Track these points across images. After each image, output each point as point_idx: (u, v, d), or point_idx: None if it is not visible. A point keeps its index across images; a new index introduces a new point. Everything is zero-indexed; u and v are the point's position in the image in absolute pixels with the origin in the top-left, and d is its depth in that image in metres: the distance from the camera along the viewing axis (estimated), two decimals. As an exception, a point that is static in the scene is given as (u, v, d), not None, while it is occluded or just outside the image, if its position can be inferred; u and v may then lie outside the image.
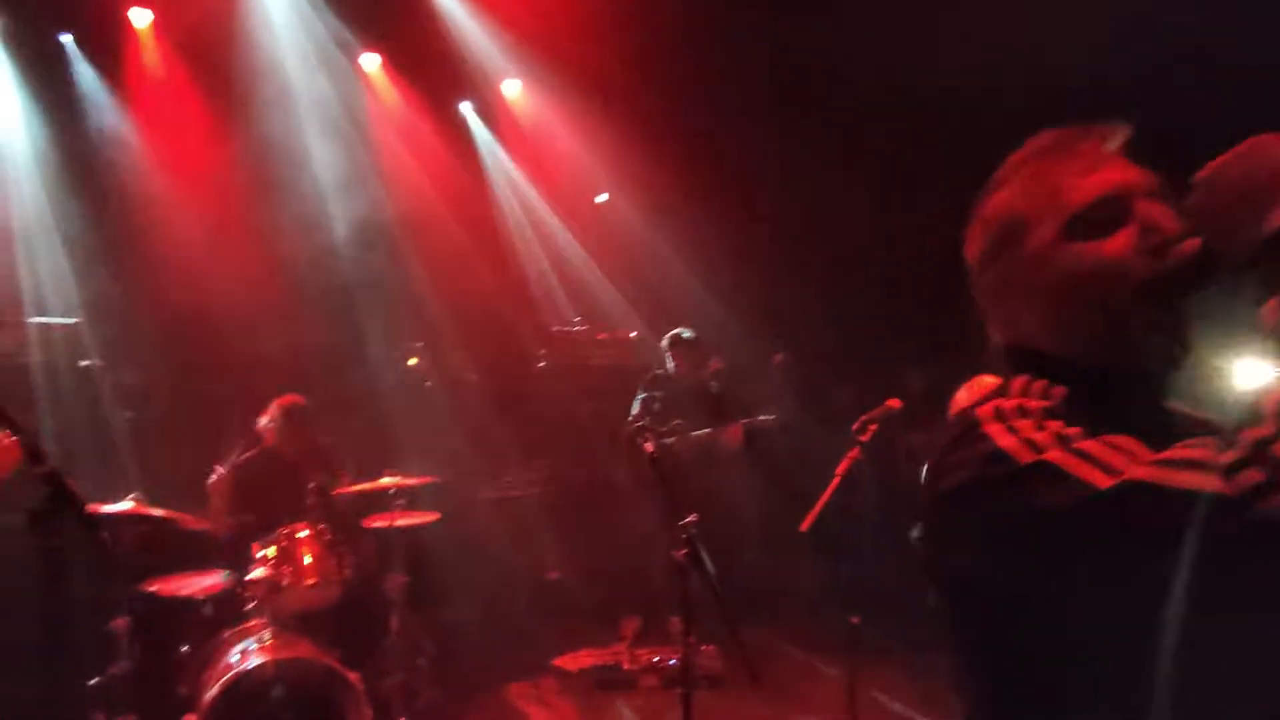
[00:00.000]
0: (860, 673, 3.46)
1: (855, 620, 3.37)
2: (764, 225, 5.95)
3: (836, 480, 3.16)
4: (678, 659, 4.77)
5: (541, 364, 6.23)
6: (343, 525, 4.18)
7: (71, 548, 1.83)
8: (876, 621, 3.49)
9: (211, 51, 5.57)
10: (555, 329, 6.28)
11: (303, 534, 3.88)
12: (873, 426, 3.24)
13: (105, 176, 5.26)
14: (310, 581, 3.81)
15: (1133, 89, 3.96)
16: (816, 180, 5.84)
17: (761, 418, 5.05)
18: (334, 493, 4.19)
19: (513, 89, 6.74)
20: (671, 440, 4.89)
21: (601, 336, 6.23)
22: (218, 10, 5.56)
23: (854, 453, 3.19)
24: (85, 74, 5.41)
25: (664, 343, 5.30)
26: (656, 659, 4.83)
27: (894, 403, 3.28)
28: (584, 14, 5.48)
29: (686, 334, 5.25)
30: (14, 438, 1.76)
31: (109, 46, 5.45)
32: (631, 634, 5.25)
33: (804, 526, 3.15)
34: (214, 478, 4.01)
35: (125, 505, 3.61)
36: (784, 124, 5.90)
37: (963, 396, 3.46)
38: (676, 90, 5.82)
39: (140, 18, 5.50)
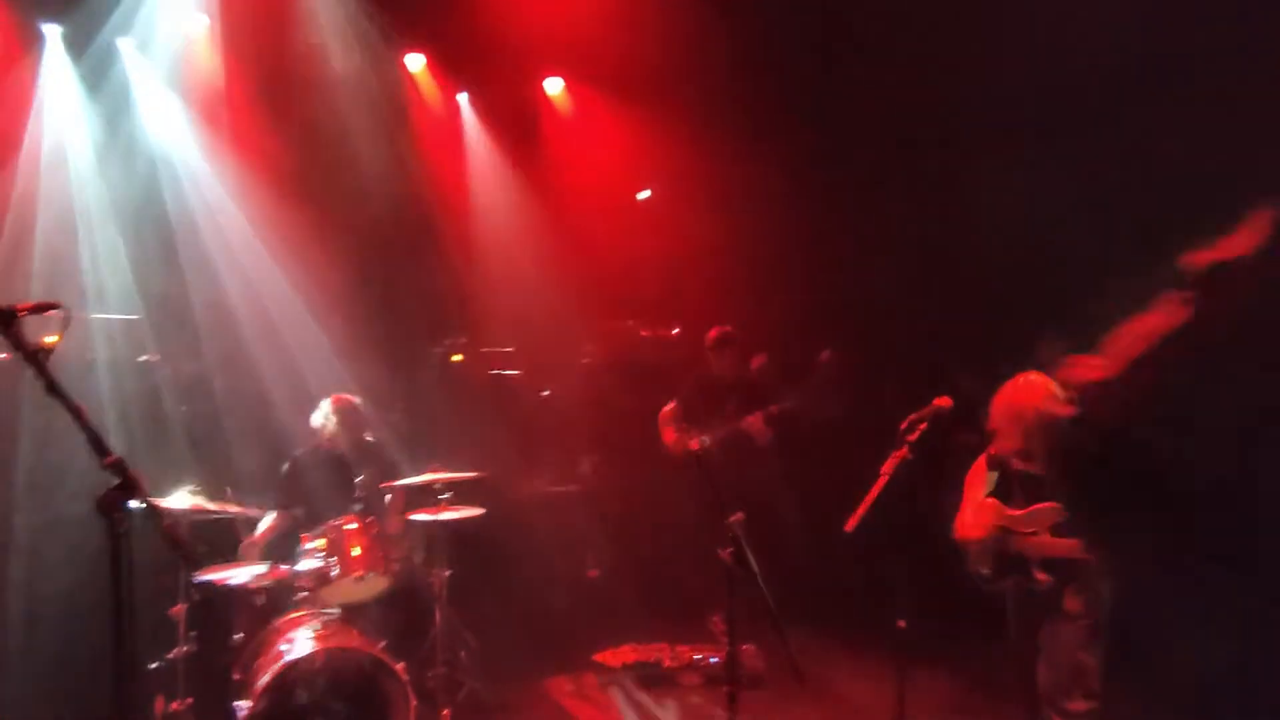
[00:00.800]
0: (907, 676, 3.41)
1: (901, 624, 3.31)
2: (811, 221, 5.87)
3: (883, 480, 3.11)
4: (719, 657, 4.77)
5: (586, 360, 6.25)
6: (390, 519, 4.25)
7: (136, 536, 1.88)
8: (923, 624, 3.43)
9: (264, 54, 5.69)
10: (599, 326, 6.30)
11: (351, 526, 3.96)
12: (921, 426, 3.18)
13: (162, 176, 5.40)
14: (358, 574, 3.88)
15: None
16: (866, 176, 5.76)
17: (779, 405, 5.01)
18: (381, 487, 4.26)
19: (555, 86, 6.77)
20: (705, 438, 4.88)
21: (645, 334, 6.23)
22: (271, 13, 5.67)
23: (901, 452, 3.13)
24: (142, 75, 5.56)
25: (708, 342, 5.27)
26: (698, 657, 4.82)
27: (943, 402, 3.22)
28: (625, 12, 5.48)
29: (726, 332, 5.23)
30: None
31: (165, 49, 5.59)
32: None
33: (849, 527, 3.10)
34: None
35: (182, 499, 3.72)
36: (832, 119, 5.83)
37: (1009, 393, 3.39)
38: (721, 85, 5.79)
39: (197, 22, 5.64)
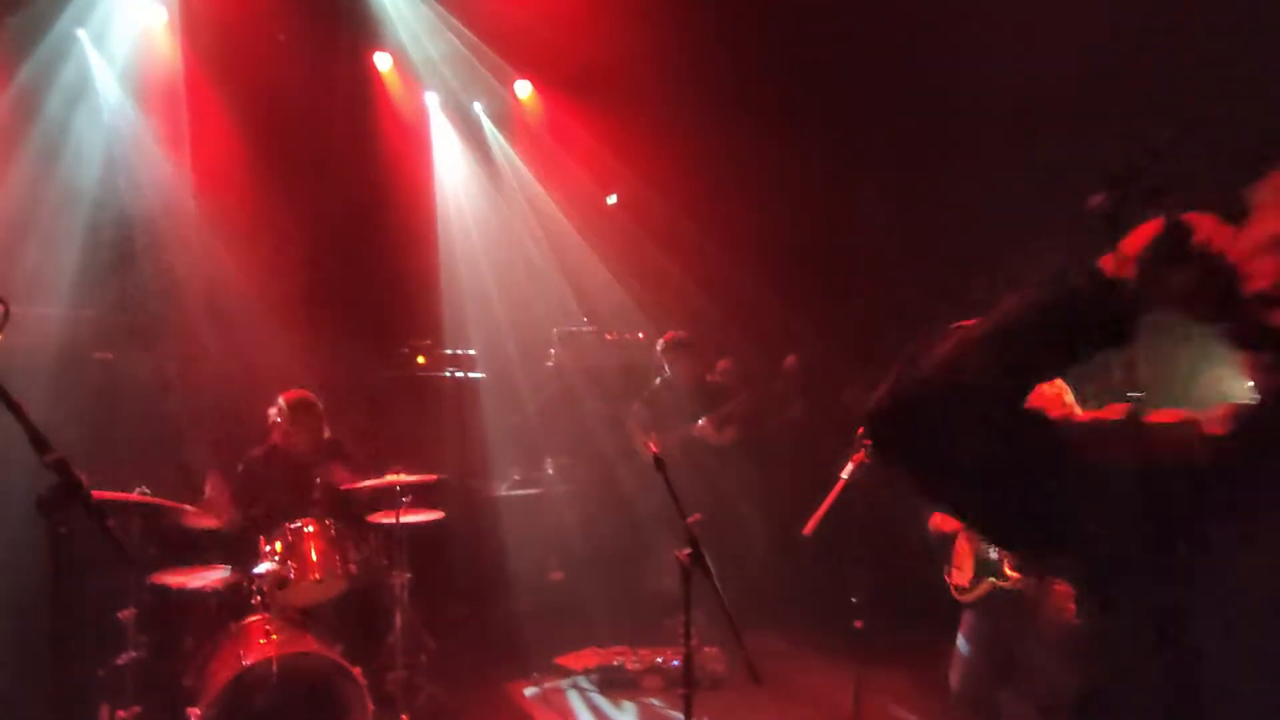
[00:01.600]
0: (864, 677, 3.45)
1: (859, 624, 3.36)
2: (776, 226, 5.93)
3: (840, 484, 3.15)
4: (680, 660, 4.78)
5: (549, 364, 6.24)
6: (348, 521, 4.20)
7: (80, 537, 1.84)
8: (880, 626, 3.48)
9: (222, 44, 5.60)
10: (563, 329, 6.29)
11: (309, 529, 3.90)
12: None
13: (124, 172, 5.29)
14: (315, 576, 3.83)
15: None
16: (830, 181, 5.83)
17: (725, 408, 5.07)
18: (340, 488, 4.21)
19: (524, 90, 6.76)
20: (665, 435, 4.91)
21: (609, 337, 6.24)
22: (231, 6, 5.58)
23: (858, 456, 3.17)
24: (101, 67, 5.45)
25: (659, 347, 5.31)
26: (660, 659, 4.83)
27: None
28: (591, 14, 5.49)
29: (679, 337, 5.26)
30: None
31: (123, 39, 5.48)
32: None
33: (807, 530, 3.14)
34: (210, 479, 4.03)
35: (132, 495, 3.64)
36: (797, 124, 5.88)
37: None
38: (686, 90, 5.82)
39: (155, 15, 5.55)
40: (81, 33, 5.35)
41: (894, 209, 5.75)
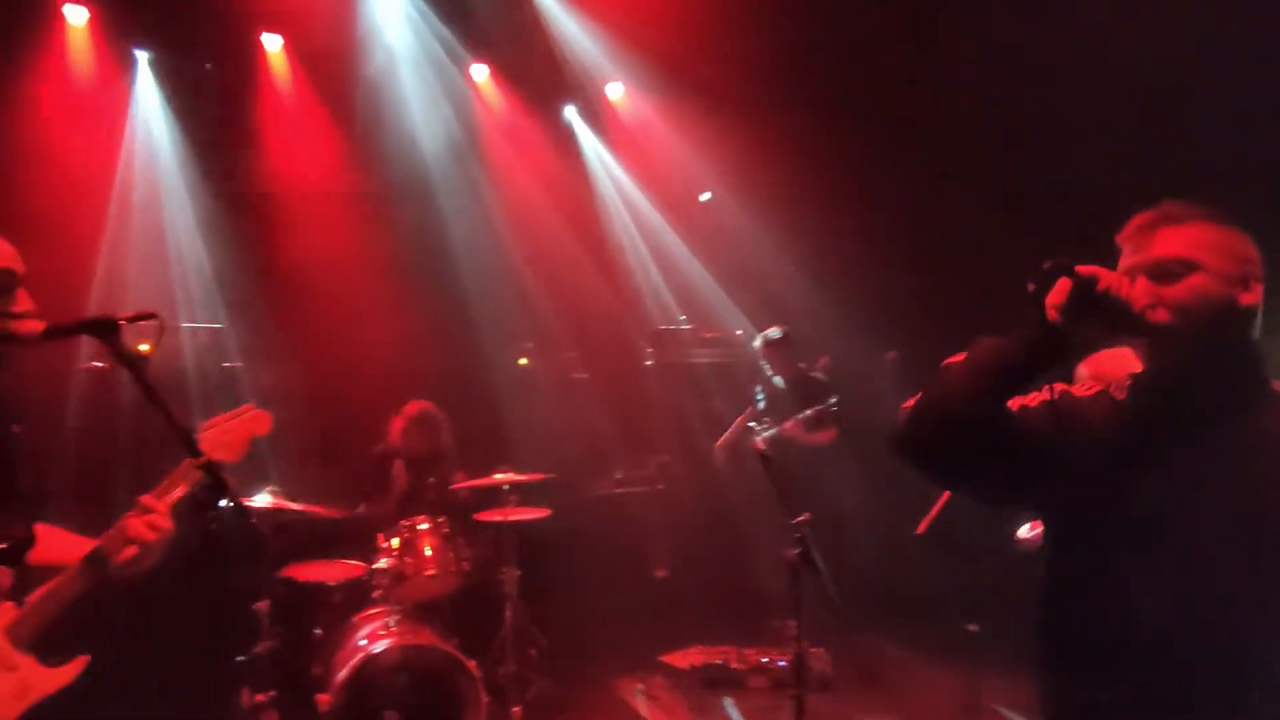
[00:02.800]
0: (978, 681, 3.32)
1: (973, 627, 3.23)
2: (873, 223, 5.78)
3: (955, 482, 3.03)
4: (787, 660, 4.72)
5: (648, 362, 6.28)
6: (460, 519, 4.35)
7: (226, 535, 1.96)
8: (995, 628, 3.34)
9: (334, 69, 5.91)
10: (661, 328, 6.32)
11: (423, 526, 4.07)
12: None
13: (244, 192, 5.66)
14: (430, 572, 3.99)
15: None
16: (927, 178, 5.64)
17: (821, 406, 4.92)
18: (451, 488, 4.37)
19: (616, 91, 6.82)
20: (766, 435, 4.84)
21: (707, 335, 6.23)
22: (339, 30, 5.88)
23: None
24: (225, 94, 5.84)
25: (756, 343, 5.24)
26: (765, 659, 4.78)
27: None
28: (684, 15, 5.49)
29: (775, 334, 5.18)
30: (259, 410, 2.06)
31: (245, 70, 5.86)
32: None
33: (921, 529, 3.04)
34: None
35: (265, 498, 3.89)
36: (893, 122, 5.72)
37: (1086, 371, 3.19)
38: (781, 86, 5.74)
39: (271, 42, 5.90)
40: (209, 66, 5.75)
41: (992, 208, 5.53)
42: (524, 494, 4.27)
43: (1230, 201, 1.53)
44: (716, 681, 4.75)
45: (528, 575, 4.28)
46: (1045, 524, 1.59)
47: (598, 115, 6.93)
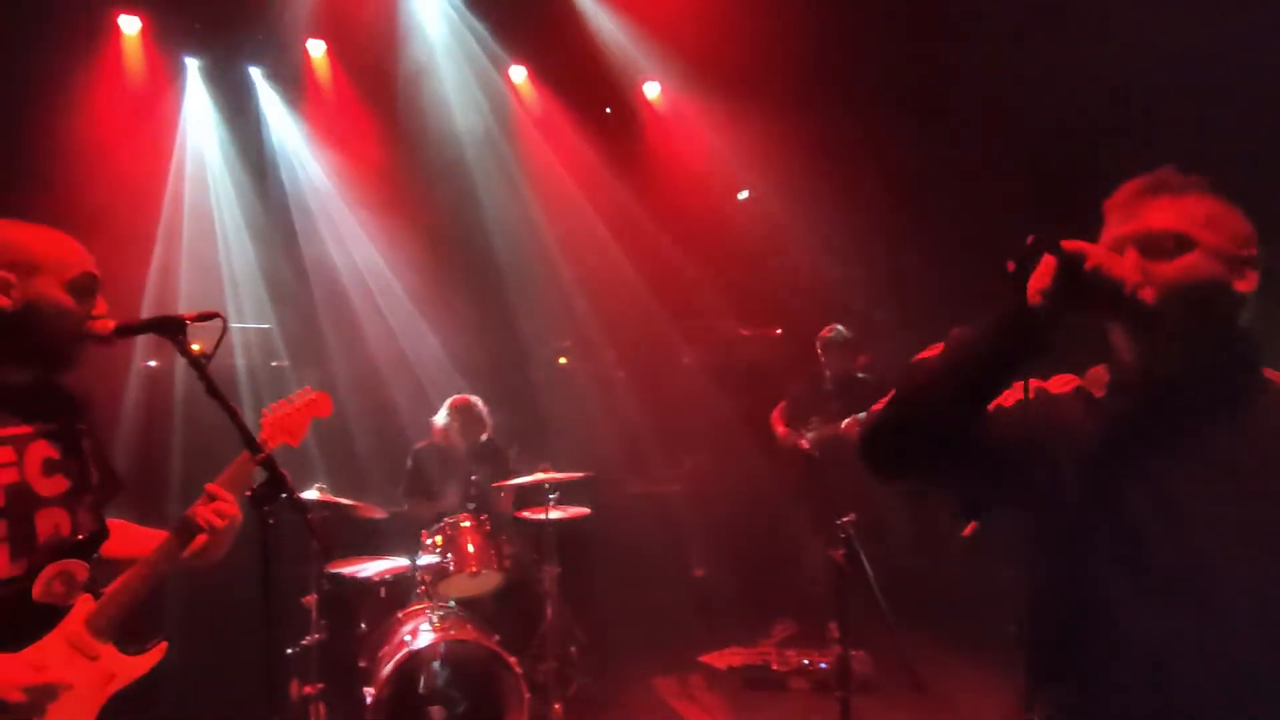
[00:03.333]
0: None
1: (1015, 629, 3.16)
2: (912, 221, 5.71)
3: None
4: (828, 662, 4.69)
5: (687, 361, 6.27)
6: (502, 517, 4.39)
7: (281, 528, 2.01)
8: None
9: (376, 73, 6.00)
10: (700, 326, 6.31)
11: (466, 524, 4.11)
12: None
13: (290, 195, 5.78)
14: (472, 569, 4.03)
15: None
16: (972, 176, 5.56)
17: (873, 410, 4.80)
18: (493, 486, 4.41)
19: (653, 90, 6.83)
20: (811, 435, 4.79)
21: (745, 333, 6.20)
22: (380, 34, 5.97)
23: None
24: (271, 100, 5.98)
25: (818, 341, 5.19)
26: (806, 661, 4.75)
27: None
28: (721, 12, 5.48)
29: (837, 333, 5.12)
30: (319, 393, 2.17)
31: (291, 74, 5.99)
32: (781, 635, 5.20)
33: (966, 532, 2.99)
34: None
35: (312, 493, 3.97)
36: (933, 118, 5.65)
37: None
38: (820, 84, 5.70)
39: (315, 48, 6.02)
40: (255, 70, 5.88)
41: (1035, 205, 5.44)
42: (564, 492, 4.29)
43: (1241, 186, 1.41)
44: (756, 682, 4.74)
45: (568, 573, 4.31)
46: (1025, 526, 1.44)
47: (634, 114, 6.94)
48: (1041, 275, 1.24)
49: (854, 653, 4.47)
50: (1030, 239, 1.25)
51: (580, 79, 6.55)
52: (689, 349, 6.29)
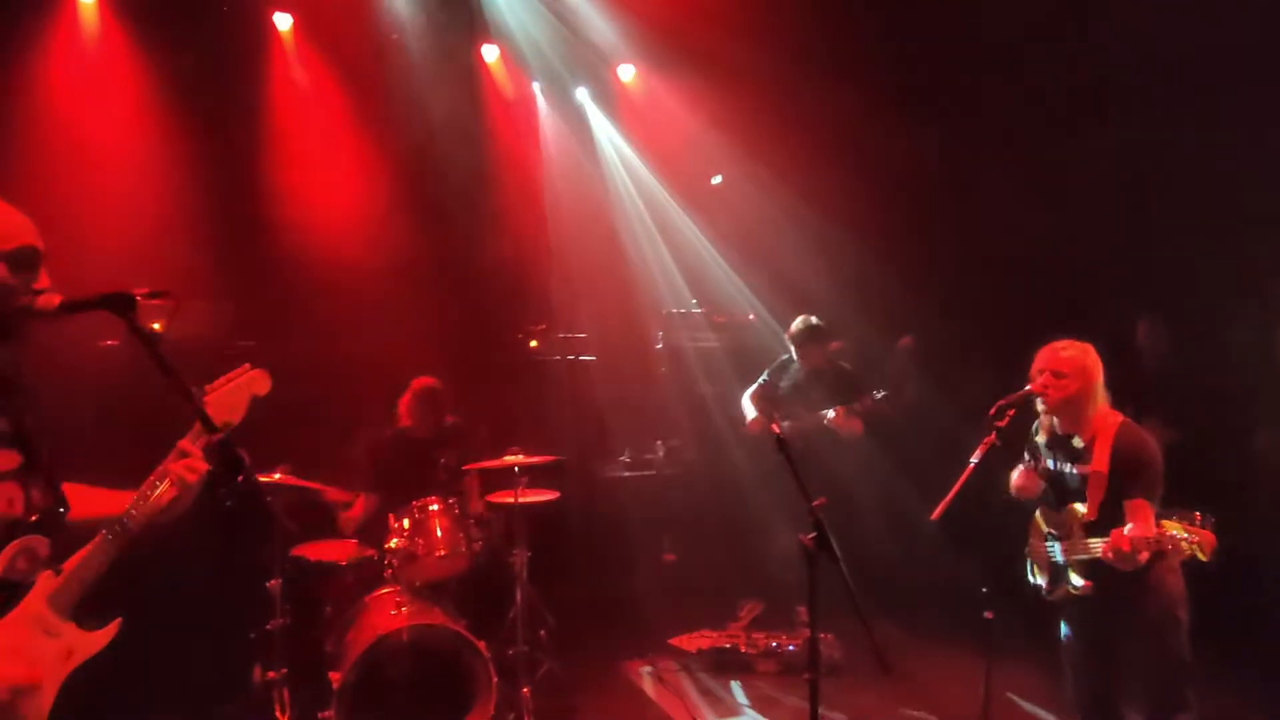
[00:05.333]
0: (992, 669, 3.31)
1: (989, 615, 3.21)
2: (888, 205, 5.73)
3: (970, 468, 3.01)
4: (797, 645, 4.73)
5: (658, 346, 6.26)
6: (470, 500, 4.35)
7: (240, 512, 1.97)
8: (1010, 617, 3.32)
9: (343, 48, 5.86)
10: (672, 311, 6.29)
11: (434, 507, 4.07)
12: (1010, 412, 3.07)
13: (256, 171, 5.63)
14: (440, 553, 3.99)
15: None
16: (945, 163, 5.59)
17: (867, 398, 4.81)
18: (462, 469, 4.37)
19: (627, 73, 6.77)
20: (786, 424, 4.78)
21: (719, 319, 6.19)
22: (350, 11, 5.83)
23: (990, 439, 3.02)
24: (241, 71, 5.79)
25: (791, 330, 5.12)
26: (774, 644, 4.80)
27: (1036, 388, 3.10)
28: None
29: (812, 322, 5.07)
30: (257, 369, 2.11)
31: (255, 50, 5.82)
32: (748, 617, 5.24)
33: (935, 515, 3.02)
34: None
35: (276, 475, 3.90)
36: (911, 99, 5.65)
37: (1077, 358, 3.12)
38: (793, 68, 5.68)
39: (282, 21, 5.86)
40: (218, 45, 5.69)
41: (1013, 187, 5.47)
42: (534, 476, 4.27)
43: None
44: (725, 665, 4.77)
45: (537, 557, 4.29)
46: None
47: (609, 97, 6.87)
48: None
49: (823, 636, 4.54)
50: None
51: (554, 60, 6.47)
52: (661, 334, 6.26)
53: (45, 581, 1.81)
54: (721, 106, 6.10)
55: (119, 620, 1.93)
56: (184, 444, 1.92)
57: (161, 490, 1.88)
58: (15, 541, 1.77)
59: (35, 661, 1.77)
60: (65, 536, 1.88)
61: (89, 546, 1.85)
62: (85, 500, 1.97)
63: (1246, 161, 4.29)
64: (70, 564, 1.84)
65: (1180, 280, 4.88)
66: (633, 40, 6.33)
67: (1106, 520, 2.92)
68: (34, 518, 1.82)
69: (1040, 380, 3.08)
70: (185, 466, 1.89)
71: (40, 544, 1.82)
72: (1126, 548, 2.77)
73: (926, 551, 4.54)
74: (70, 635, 1.84)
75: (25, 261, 1.78)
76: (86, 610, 1.88)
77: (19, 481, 1.81)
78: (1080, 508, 3.03)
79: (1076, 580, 3.05)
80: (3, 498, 1.78)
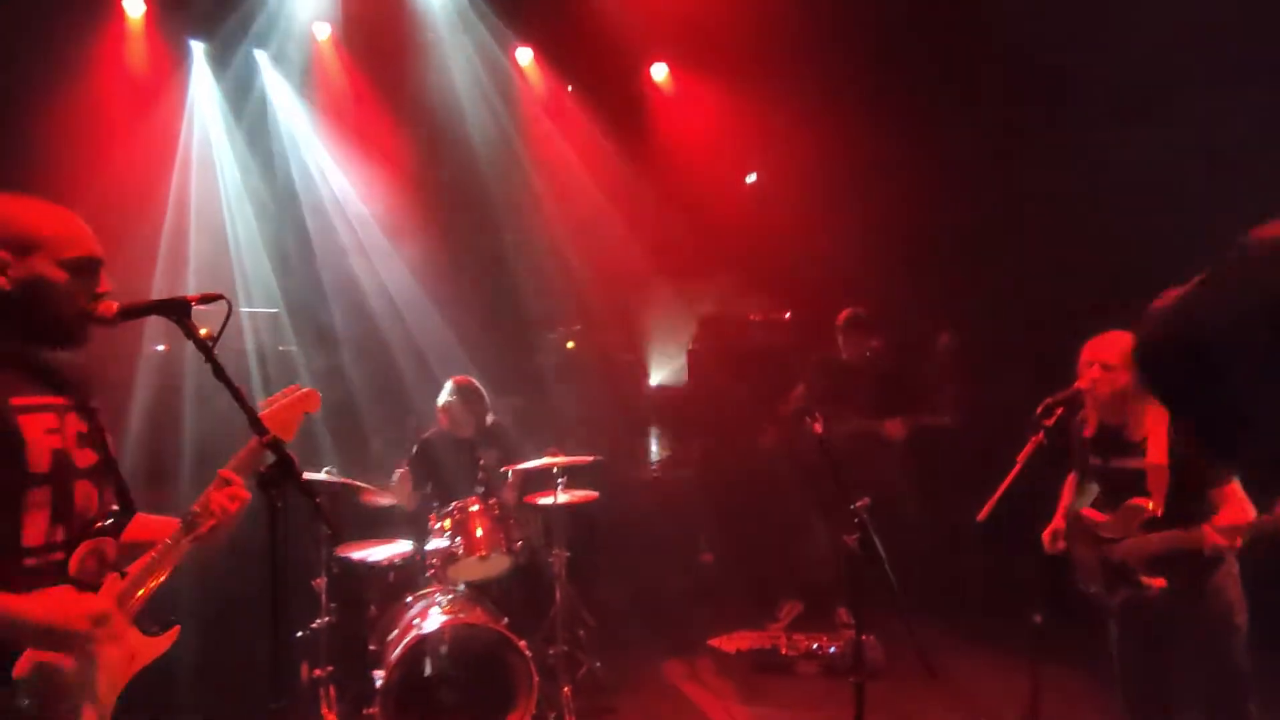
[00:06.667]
0: (1040, 673, 3.24)
1: (1038, 619, 3.14)
2: (920, 207, 5.64)
3: (1018, 468, 2.95)
4: (838, 646, 4.68)
5: (694, 346, 6.24)
6: (510, 500, 4.38)
7: (290, 511, 2.00)
8: (1059, 620, 3.25)
9: (382, 55, 5.95)
10: (706, 311, 6.27)
11: (474, 508, 4.11)
12: (1059, 410, 2.99)
13: (297, 177, 5.75)
14: (481, 553, 4.02)
15: None
16: (975, 161, 5.49)
17: (929, 418, 4.75)
18: (502, 470, 4.40)
19: (660, 72, 6.76)
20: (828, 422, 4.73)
21: (754, 318, 6.16)
22: (387, 18, 5.91)
23: (1038, 438, 2.95)
24: (276, 83, 5.93)
25: (838, 323, 5.12)
26: (815, 645, 4.75)
27: (1084, 383, 3.02)
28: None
29: (857, 314, 5.05)
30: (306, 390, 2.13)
31: (296, 57, 5.93)
32: (788, 618, 5.20)
33: (981, 516, 2.96)
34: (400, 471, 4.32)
35: (321, 476, 3.96)
36: (940, 102, 5.57)
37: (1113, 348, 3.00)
38: (826, 68, 5.63)
39: (321, 30, 5.97)
40: (261, 54, 5.83)
41: (1041, 189, 5.36)
42: (572, 476, 4.28)
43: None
44: (765, 666, 4.74)
45: (576, 557, 4.30)
46: None
47: (642, 97, 6.87)
48: None
49: (864, 637, 4.48)
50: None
51: (586, 61, 6.49)
52: (696, 334, 6.25)
53: (112, 583, 1.86)
54: (754, 107, 6.06)
55: (178, 627, 1.97)
56: (226, 472, 1.94)
57: (203, 522, 1.90)
58: (87, 541, 1.82)
59: (103, 665, 1.80)
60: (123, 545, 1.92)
61: (149, 554, 1.89)
62: (139, 524, 2.01)
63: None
64: (135, 567, 1.88)
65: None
66: (664, 40, 6.32)
67: (1175, 513, 2.83)
68: (106, 515, 1.87)
69: (1090, 373, 2.99)
70: (227, 496, 1.92)
71: (109, 546, 1.87)
72: (1239, 538, 2.68)
73: (969, 553, 4.46)
74: (134, 639, 1.88)
75: (85, 269, 1.84)
76: (145, 614, 1.92)
77: (94, 481, 1.87)
78: (1140, 504, 2.94)
79: (1145, 580, 2.92)
80: (81, 494, 1.83)
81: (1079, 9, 4.79)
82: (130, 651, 1.87)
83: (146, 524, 2.04)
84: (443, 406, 4.52)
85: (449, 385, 4.52)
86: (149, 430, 4.34)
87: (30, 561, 1.73)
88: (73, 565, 1.80)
